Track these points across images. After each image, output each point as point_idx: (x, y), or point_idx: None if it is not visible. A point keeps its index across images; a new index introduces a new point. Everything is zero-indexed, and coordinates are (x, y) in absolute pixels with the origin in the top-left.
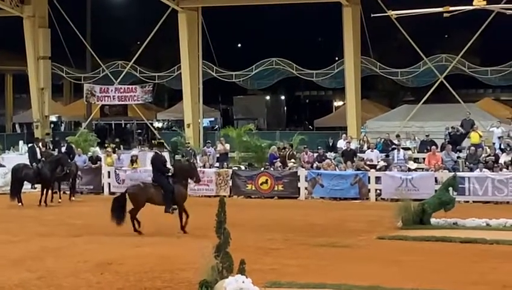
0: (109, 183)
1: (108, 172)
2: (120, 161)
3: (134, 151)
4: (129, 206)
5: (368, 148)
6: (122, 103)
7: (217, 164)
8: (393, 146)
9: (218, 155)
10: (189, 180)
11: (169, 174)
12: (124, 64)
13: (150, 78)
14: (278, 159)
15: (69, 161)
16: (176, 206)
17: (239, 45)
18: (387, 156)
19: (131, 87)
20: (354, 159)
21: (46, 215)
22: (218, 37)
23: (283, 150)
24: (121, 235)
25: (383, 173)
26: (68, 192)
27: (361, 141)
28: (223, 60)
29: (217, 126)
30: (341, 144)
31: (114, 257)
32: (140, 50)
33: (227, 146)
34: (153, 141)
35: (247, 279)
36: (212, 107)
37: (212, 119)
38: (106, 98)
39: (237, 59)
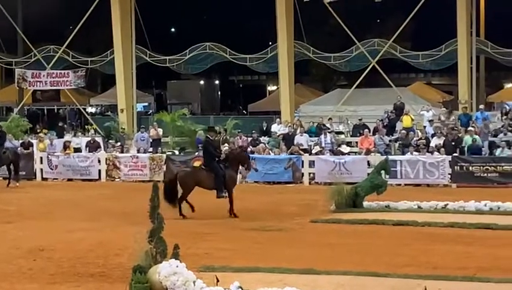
0: (41, 169)
1: (41, 158)
2: (53, 146)
3: (67, 137)
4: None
5: (302, 132)
6: (55, 88)
7: (151, 149)
8: (327, 130)
9: (151, 140)
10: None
11: (221, 159)
12: (56, 49)
13: (83, 63)
14: None
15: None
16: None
17: (172, 30)
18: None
19: (64, 72)
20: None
21: None
22: (152, 21)
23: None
24: (53, 221)
25: (316, 157)
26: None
27: (294, 125)
28: (156, 45)
29: (150, 111)
30: (275, 128)
31: (46, 243)
32: (72, 34)
33: (161, 131)
34: (208, 127)
35: (181, 264)
36: (145, 92)
37: (146, 104)
38: (38, 83)
39: (171, 44)
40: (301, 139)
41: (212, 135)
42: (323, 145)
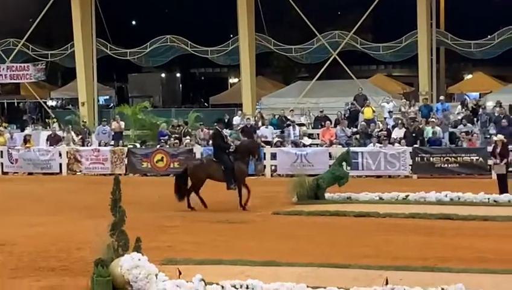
0: (2, 163)
1: (1, 151)
2: (13, 140)
3: (28, 130)
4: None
5: (263, 124)
6: (15, 81)
7: (112, 142)
8: (288, 122)
9: (113, 133)
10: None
11: (231, 150)
12: (16, 42)
13: (43, 56)
14: (166, 136)
15: None
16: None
17: (133, 22)
18: (282, 132)
19: (24, 66)
20: (254, 135)
21: None
22: (112, 14)
23: (178, 128)
24: (14, 215)
25: (278, 149)
26: None
27: (256, 118)
28: (117, 38)
29: (112, 104)
30: (236, 120)
31: (7, 237)
32: (32, 27)
33: (123, 124)
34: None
35: (143, 257)
36: (106, 85)
37: (107, 97)
38: None
39: (132, 36)
40: (266, 131)
41: (221, 126)
42: (291, 137)
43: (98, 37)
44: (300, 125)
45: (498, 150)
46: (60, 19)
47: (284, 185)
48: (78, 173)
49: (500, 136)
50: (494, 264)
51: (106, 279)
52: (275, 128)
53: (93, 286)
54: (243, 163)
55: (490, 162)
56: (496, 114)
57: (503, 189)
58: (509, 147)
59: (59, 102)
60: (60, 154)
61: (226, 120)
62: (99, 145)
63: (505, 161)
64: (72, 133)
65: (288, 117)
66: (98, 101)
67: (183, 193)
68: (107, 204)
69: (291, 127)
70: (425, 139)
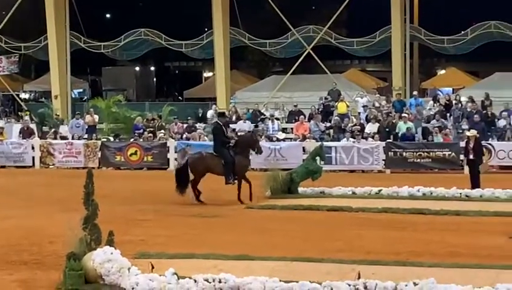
0: None
1: None
2: None
3: (0, 123)
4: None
5: (237, 118)
6: None
7: (86, 136)
8: (262, 116)
9: (87, 126)
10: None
11: (231, 144)
12: None
13: (16, 49)
14: (141, 130)
15: None
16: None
17: (107, 16)
18: (256, 126)
19: None
20: (228, 129)
21: None
22: (86, 7)
23: (152, 121)
24: None
25: None
26: None
27: (230, 112)
28: (91, 31)
29: (85, 97)
30: (210, 114)
31: None
32: (5, 20)
33: (96, 117)
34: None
35: (116, 250)
36: (80, 78)
37: (81, 90)
38: None
39: (106, 29)
40: (244, 125)
41: (222, 120)
42: (270, 131)
43: (72, 30)
44: (275, 119)
45: (471, 145)
46: (34, 11)
47: (258, 179)
48: (51, 167)
49: (473, 132)
50: (465, 258)
51: (78, 273)
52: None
53: (65, 279)
54: (243, 157)
55: (462, 157)
56: (469, 109)
57: (475, 184)
58: (482, 142)
59: (32, 95)
60: (33, 148)
61: (200, 114)
62: (73, 138)
63: (484, 157)
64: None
65: (263, 111)
66: (72, 94)
67: (185, 187)
68: (79, 198)
69: (270, 121)
70: (399, 134)
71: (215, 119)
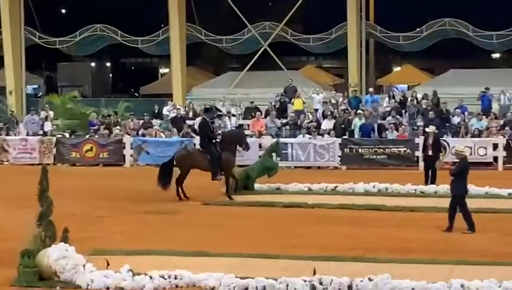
0: None
1: None
2: None
3: None
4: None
5: (194, 115)
6: None
7: (41, 132)
8: (219, 113)
9: (42, 123)
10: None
11: (217, 140)
12: None
13: None
14: (96, 126)
15: None
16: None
17: (63, 11)
18: (212, 122)
19: None
20: (183, 126)
21: None
22: (41, 1)
23: (108, 118)
24: None
25: None
26: None
27: (186, 108)
28: (46, 26)
29: (40, 93)
30: (167, 110)
31: None
32: None
33: (51, 113)
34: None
35: (71, 247)
36: (35, 74)
37: (36, 86)
38: None
39: (61, 25)
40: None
41: (208, 116)
42: (229, 128)
43: (27, 25)
44: (231, 116)
45: (430, 141)
46: None
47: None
48: (5, 163)
49: (432, 128)
50: (420, 254)
51: (33, 270)
52: None
53: (20, 276)
54: (229, 153)
55: (417, 153)
56: (424, 106)
57: (432, 180)
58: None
59: None
60: None
61: (156, 111)
62: (27, 134)
63: (442, 153)
64: None
65: (219, 108)
66: (26, 90)
67: (168, 182)
68: (34, 194)
69: (227, 118)
70: (354, 130)
71: (202, 115)
